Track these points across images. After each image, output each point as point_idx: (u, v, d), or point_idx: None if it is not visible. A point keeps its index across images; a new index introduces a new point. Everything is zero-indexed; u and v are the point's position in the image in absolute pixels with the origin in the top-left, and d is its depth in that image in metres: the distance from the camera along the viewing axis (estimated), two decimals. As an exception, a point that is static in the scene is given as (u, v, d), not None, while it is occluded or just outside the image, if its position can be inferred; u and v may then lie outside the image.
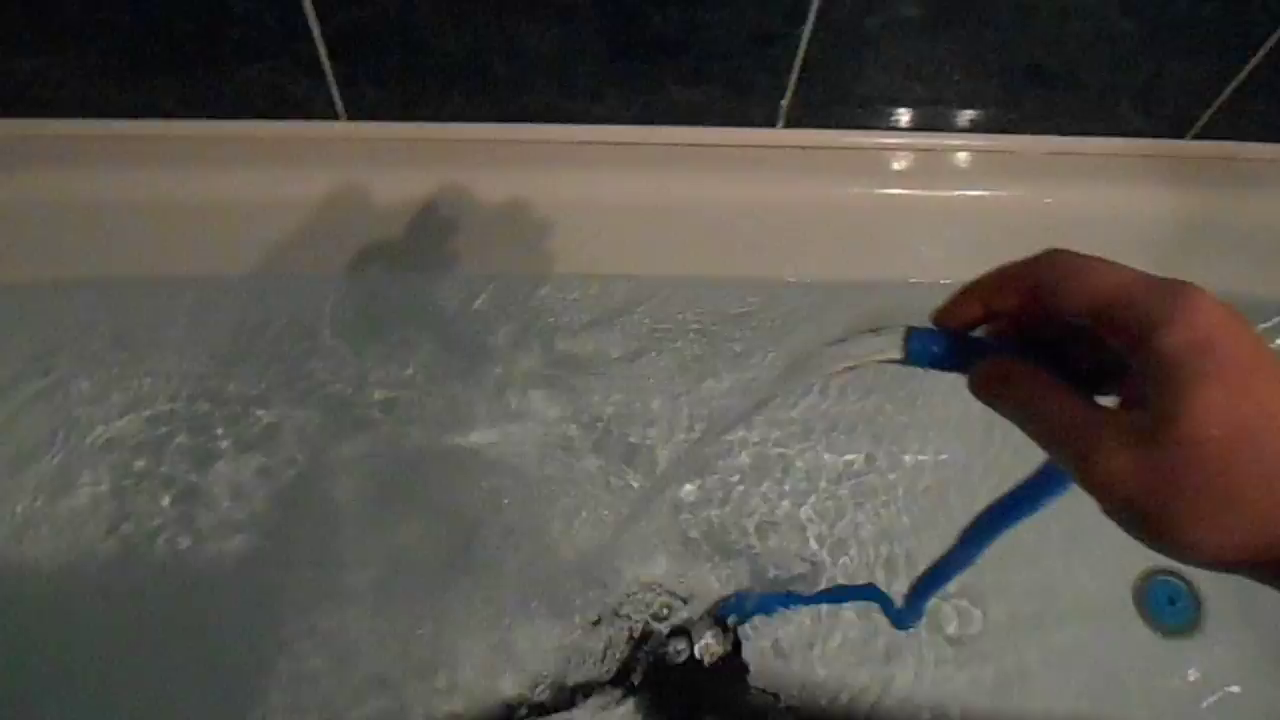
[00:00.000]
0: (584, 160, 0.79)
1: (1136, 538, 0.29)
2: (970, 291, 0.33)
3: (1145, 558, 0.81)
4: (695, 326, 0.88)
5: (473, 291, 0.87)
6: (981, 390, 0.33)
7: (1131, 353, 0.29)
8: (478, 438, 0.82)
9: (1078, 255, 0.31)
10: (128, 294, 0.84)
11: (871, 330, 0.34)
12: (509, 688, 0.73)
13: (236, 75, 0.73)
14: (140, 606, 0.74)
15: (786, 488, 0.82)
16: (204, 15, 0.68)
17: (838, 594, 0.68)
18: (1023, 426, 0.31)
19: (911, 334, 0.33)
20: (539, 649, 0.75)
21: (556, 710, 0.72)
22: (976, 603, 0.79)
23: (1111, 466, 0.28)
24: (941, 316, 0.34)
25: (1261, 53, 0.75)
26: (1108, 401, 0.31)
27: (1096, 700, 0.77)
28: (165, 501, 0.77)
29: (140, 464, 0.79)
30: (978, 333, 0.34)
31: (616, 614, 0.76)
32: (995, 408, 0.32)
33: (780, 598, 0.75)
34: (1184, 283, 0.28)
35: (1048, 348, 0.33)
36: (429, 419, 0.82)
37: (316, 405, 0.82)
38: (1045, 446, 0.31)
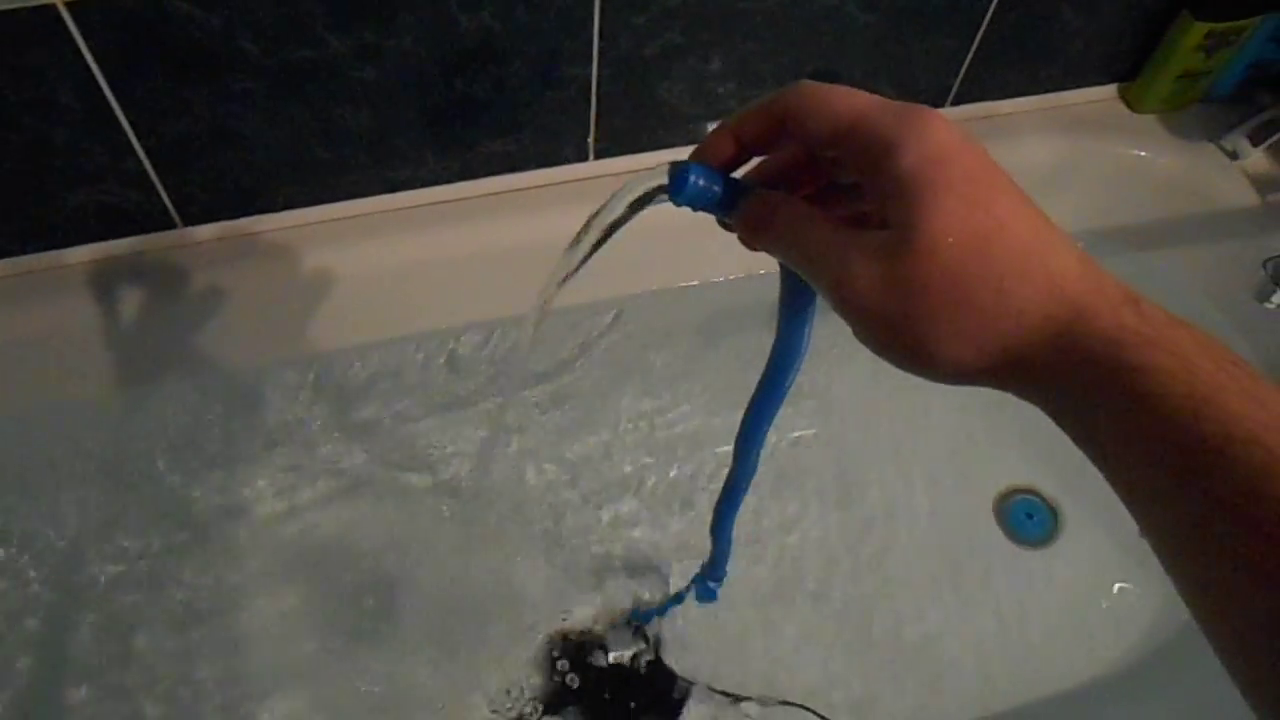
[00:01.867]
0: (416, 222, 0.84)
1: (889, 358, 0.30)
2: (723, 127, 0.33)
3: (1004, 479, 0.92)
4: (563, 355, 0.94)
5: (346, 363, 0.91)
6: (748, 224, 0.33)
7: (873, 174, 0.29)
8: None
9: (822, 85, 0.31)
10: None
11: (643, 170, 0.34)
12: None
13: (67, 203, 0.75)
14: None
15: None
16: (25, 151, 0.71)
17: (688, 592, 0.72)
18: (786, 257, 0.32)
19: (680, 168, 0.33)
20: (464, 692, 0.78)
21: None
22: (854, 549, 0.87)
23: (860, 283, 0.29)
24: (698, 153, 0.34)
25: (984, 25, 0.87)
26: None
27: (967, 610, 0.85)
28: None
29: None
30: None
31: (530, 640, 0.80)
32: (762, 243, 0.33)
33: (677, 598, 0.79)
34: (918, 106, 0.29)
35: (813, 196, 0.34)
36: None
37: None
38: (806, 273, 0.32)
